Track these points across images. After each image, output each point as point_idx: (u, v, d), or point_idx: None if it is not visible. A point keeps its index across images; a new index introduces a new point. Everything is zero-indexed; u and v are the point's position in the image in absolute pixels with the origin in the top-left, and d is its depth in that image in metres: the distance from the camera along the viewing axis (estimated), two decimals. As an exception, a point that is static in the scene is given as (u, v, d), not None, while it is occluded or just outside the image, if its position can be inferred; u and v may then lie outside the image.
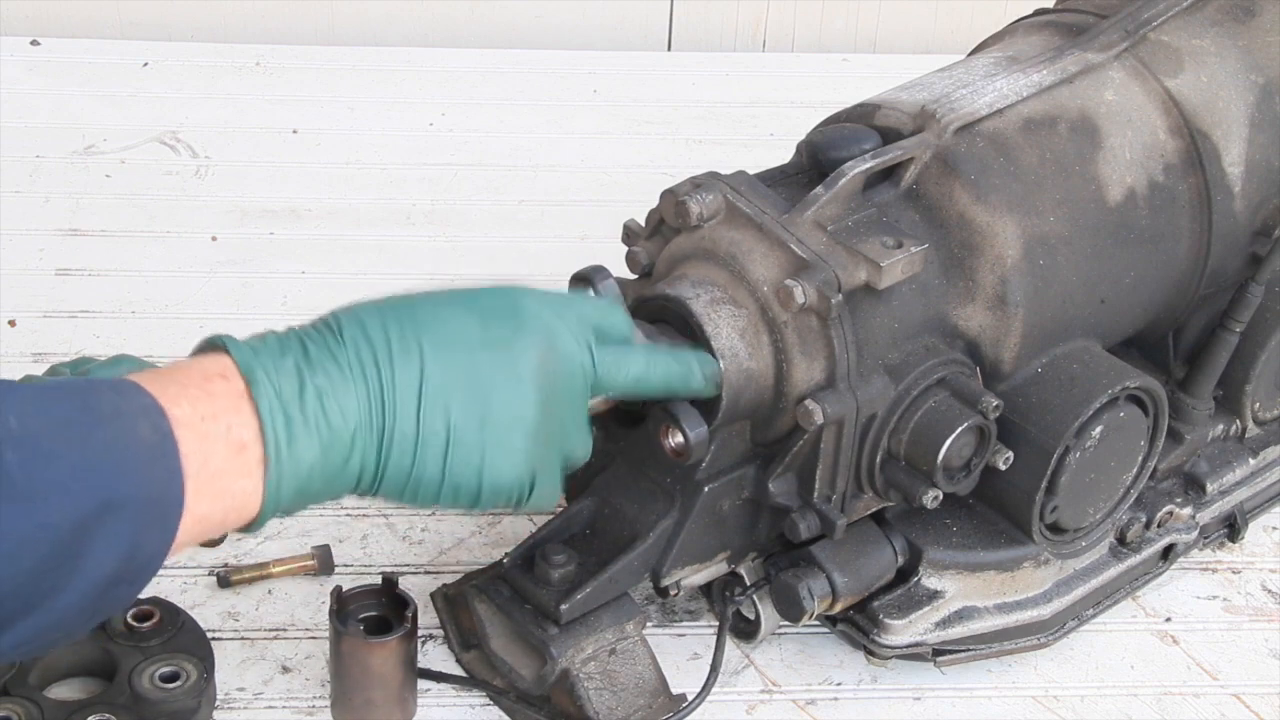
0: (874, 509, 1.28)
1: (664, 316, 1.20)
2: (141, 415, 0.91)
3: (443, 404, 1.01)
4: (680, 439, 1.17)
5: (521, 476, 1.04)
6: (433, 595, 1.32)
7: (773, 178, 1.27)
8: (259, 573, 1.37)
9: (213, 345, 0.99)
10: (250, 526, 0.97)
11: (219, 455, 0.93)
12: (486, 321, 1.04)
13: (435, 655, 1.32)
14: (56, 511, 0.86)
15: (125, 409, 0.91)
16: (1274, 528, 1.50)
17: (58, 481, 0.86)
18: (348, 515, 1.44)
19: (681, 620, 1.36)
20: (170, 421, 0.92)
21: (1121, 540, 1.38)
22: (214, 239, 1.78)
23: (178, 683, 1.23)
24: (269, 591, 1.36)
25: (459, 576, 1.33)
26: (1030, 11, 1.44)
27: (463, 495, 1.03)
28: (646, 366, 1.12)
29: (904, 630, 1.29)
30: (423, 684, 1.28)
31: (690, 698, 1.26)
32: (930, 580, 1.29)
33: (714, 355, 1.18)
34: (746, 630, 1.33)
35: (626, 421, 1.21)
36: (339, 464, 0.98)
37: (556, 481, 1.09)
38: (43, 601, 0.87)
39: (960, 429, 1.21)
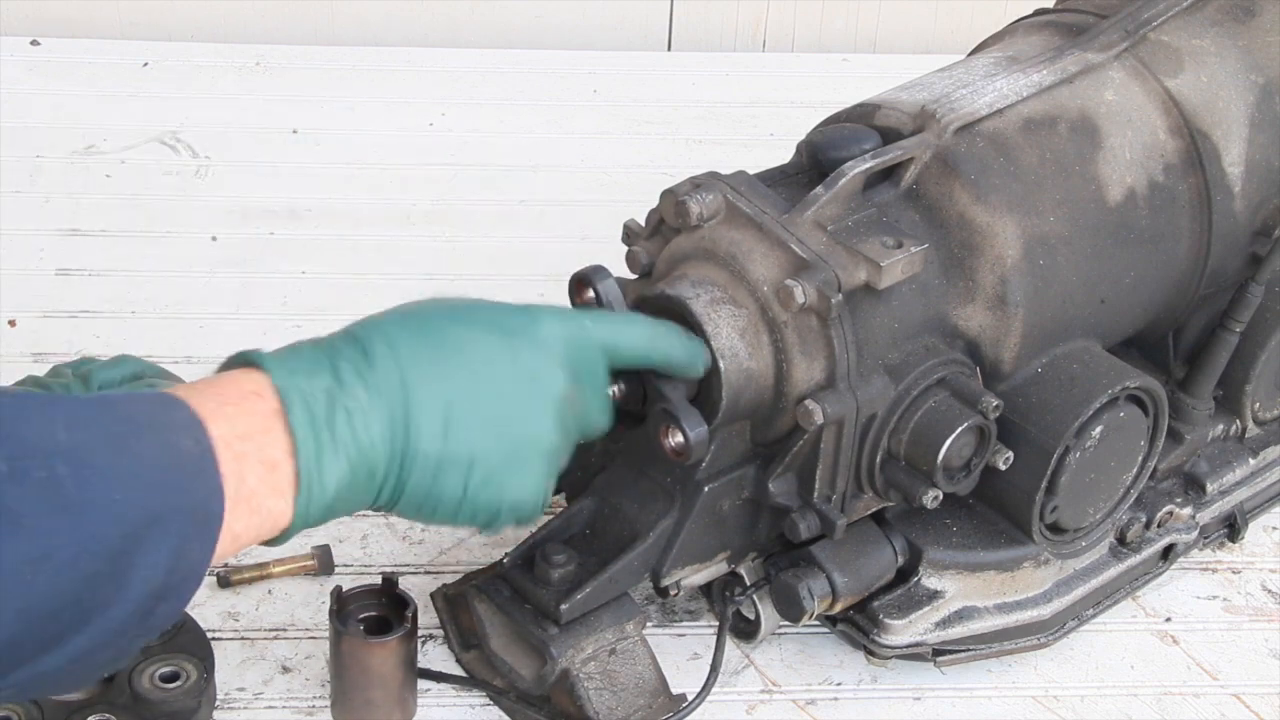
0: (874, 509, 1.28)
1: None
2: (184, 429, 0.92)
3: (467, 429, 1.02)
4: (680, 439, 1.17)
5: (537, 498, 1.07)
6: (433, 595, 1.32)
7: (773, 178, 1.27)
8: (259, 573, 1.37)
9: (246, 360, 0.99)
10: (274, 541, 0.99)
11: (253, 475, 0.95)
12: (514, 347, 1.05)
13: (435, 655, 1.32)
14: (108, 522, 0.86)
15: (170, 422, 0.92)
16: (1274, 528, 1.50)
17: (108, 493, 0.87)
18: (348, 515, 1.44)
19: (681, 620, 1.36)
20: (210, 438, 0.93)
21: (1121, 540, 1.38)
22: (214, 239, 1.78)
23: (178, 683, 1.23)
24: (269, 591, 1.36)
25: (459, 576, 1.33)
26: (1030, 11, 1.44)
27: (480, 516, 1.05)
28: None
29: (904, 630, 1.29)
30: (423, 684, 1.28)
31: (690, 698, 1.26)
32: (930, 580, 1.29)
33: (714, 355, 1.18)
34: (746, 630, 1.33)
35: (627, 421, 1.21)
36: (364, 482, 1.00)
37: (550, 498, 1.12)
38: (95, 615, 0.87)
39: (960, 429, 1.21)
